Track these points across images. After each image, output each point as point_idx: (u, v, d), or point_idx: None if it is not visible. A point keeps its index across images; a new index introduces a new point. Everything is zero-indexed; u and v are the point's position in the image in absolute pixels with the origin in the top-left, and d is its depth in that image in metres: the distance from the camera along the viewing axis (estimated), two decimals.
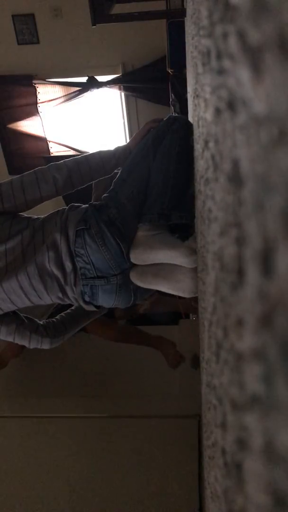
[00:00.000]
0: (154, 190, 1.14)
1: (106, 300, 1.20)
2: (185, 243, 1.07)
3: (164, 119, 1.22)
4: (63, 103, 4.05)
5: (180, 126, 1.15)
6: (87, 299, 1.19)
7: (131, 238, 1.14)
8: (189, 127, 1.15)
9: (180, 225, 1.14)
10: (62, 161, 1.23)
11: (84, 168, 1.21)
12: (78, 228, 1.14)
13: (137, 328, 1.73)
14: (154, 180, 1.14)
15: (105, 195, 1.21)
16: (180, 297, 1.25)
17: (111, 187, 1.21)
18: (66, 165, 1.21)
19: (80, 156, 1.25)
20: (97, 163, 1.21)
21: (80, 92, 3.97)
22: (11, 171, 4.29)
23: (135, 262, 1.14)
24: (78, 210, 1.21)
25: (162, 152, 1.14)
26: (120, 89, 3.91)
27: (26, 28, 3.72)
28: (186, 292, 1.10)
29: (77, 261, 1.14)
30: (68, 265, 1.14)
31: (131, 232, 1.14)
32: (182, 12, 2.22)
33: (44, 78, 3.93)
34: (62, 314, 1.36)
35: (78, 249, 1.13)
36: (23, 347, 1.50)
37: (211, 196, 0.40)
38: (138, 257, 1.12)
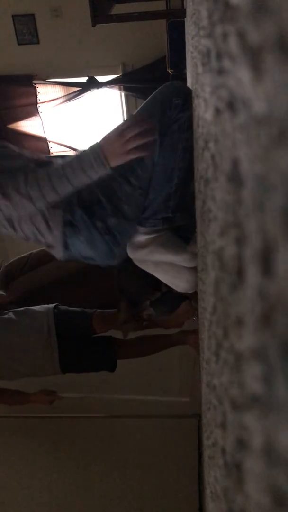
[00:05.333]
0: (159, 193, 1.09)
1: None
2: (188, 249, 1.07)
3: (165, 91, 1.05)
4: (63, 103, 4.06)
5: (186, 116, 1.03)
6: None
7: (126, 241, 1.12)
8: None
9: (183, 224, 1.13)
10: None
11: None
12: (64, 230, 1.06)
13: (155, 335, 1.70)
14: (159, 180, 1.08)
15: (97, 187, 1.08)
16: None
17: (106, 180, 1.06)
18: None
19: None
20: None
21: (80, 92, 3.97)
22: None
23: (137, 264, 1.13)
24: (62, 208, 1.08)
25: (166, 149, 1.06)
26: (120, 89, 3.91)
27: (26, 28, 3.72)
28: (179, 288, 1.10)
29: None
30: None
31: (127, 236, 1.11)
32: (182, 12, 2.22)
33: (44, 78, 3.93)
34: None
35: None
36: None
37: (211, 196, 0.40)
38: (141, 259, 1.12)
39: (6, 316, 1.66)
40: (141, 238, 1.11)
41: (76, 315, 1.65)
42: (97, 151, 0.97)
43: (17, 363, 1.52)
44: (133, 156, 0.96)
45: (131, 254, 1.12)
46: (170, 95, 1.03)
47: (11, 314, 1.66)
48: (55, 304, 1.66)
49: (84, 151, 1.00)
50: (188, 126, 1.04)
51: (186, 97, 1.01)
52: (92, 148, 0.99)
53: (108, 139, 0.97)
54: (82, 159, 0.98)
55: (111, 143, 0.97)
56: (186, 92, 1.01)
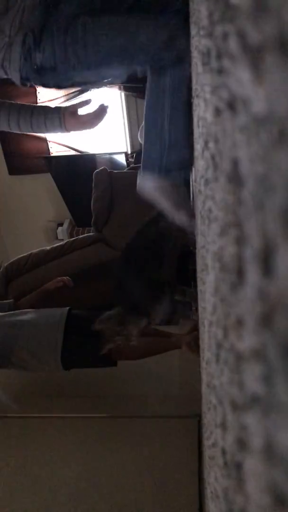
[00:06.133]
0: (153, 147, 1.16)
1: None
2: (182, 216, 1.17)
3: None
4: (63, 103, 4.06)
5: (177, 75, 1.08)
6: None
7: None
8: (187, 78, 1.05)
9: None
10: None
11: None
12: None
13: (156, 339, 1.70)
14: (152, 134, 1.15)
15: None
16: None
17: None
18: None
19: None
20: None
21: (80, 92, 3.97)
22: (11, 171, 4.28)
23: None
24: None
25: (152, 101, 1.13)
26: (120, 89, 3.91)
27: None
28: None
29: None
30: None
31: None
32: None
33: None
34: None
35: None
36: None
37: (211, 196, 0.40)
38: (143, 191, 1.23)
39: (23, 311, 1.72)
40: (149, 184, 1.21)
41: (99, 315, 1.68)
42: (61, 124, 1.25)
43: (26, 354, 1.55)
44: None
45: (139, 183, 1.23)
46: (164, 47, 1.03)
47: (28, 311, 1.71)
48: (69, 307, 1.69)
49: (52, 117, 1.25)
50: (176, 87, 1.08)
51: (182, 55, 1.01)
52: (59, 120, 1.25)
53: (70, 121, 1.25)
54: (50, 124, 1.26)
55: (72, 123, 1.25)
56: (185, 51, 0.99)
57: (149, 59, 1.07)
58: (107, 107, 1.29)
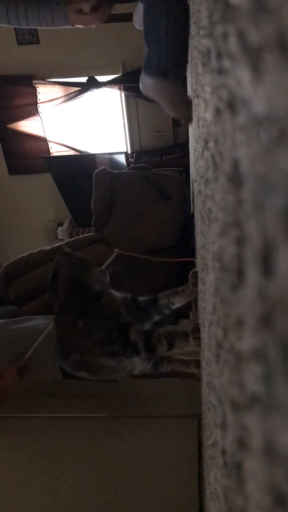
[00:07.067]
0: (151, 46, 1.21)
1: None
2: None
3: None
4: (63, 103, 4.06)
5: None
6: None
7: None
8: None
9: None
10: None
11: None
12: None
13: None
14: (149, 34, 1.20)
15: None
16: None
17: None
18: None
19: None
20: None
21: (80, 92, 3.97)
22: (11, 171, 4.29)
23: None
24: None
25: (152, 9, 1.17)
26: (120, 89, 3.91)
27: (26, 28, 3.72)
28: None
29: None
30: None
31: None
32: None
33: (44, 78, 3.94)
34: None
35: None
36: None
37: (211, 196, 0.40)
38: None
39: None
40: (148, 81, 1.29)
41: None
42: (66, 18, 1.35)
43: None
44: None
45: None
46: None
47: (30, 317, 1.72)
48: None
49: (57, 8, 1.34)
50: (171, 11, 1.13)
51: None
52: (64, 15, 1.35)
53: (75, 16, 1.35)
54: (56, 15, 1.35)
55: (76, 19, 1.35)
56: None
57: None
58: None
